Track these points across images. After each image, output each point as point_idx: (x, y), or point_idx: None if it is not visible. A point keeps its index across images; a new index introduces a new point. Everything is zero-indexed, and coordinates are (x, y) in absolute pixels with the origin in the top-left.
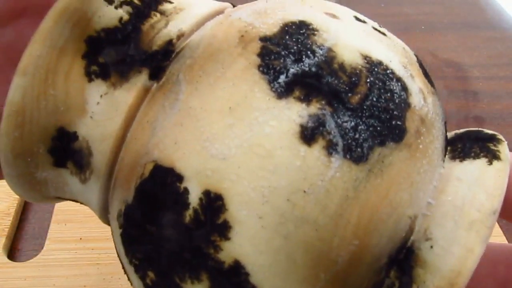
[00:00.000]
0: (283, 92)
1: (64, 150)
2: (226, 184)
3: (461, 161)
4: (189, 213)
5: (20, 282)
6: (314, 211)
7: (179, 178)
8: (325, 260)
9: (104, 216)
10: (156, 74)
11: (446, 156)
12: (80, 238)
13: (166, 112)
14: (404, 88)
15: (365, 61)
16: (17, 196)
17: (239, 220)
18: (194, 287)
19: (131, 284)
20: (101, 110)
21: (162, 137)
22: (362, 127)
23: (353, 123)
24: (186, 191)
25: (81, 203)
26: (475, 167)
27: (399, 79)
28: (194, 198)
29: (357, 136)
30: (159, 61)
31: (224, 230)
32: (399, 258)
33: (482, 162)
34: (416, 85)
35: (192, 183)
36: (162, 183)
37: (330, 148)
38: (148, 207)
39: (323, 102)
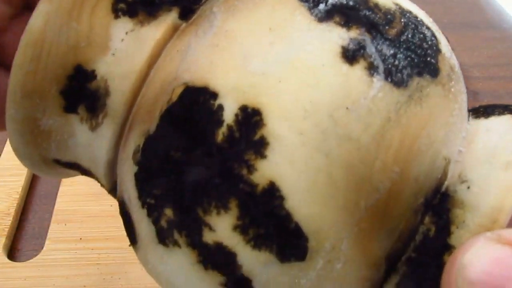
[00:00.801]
0: (323, 17)
1: (79, 91)
2: (266, 98)
3: (486, 117)
4: (222, 131)
5: (20, 282)
6: (357, 129)
7: (213, 95)
8: (367, 185)
9: (110, 173)
10: (186, 13)
11: (470, 117)
12: (80, 238)
13: (199, 37)
14: (434, 36)
15: (397, 7)
16: (17, 196)
17: (278, 135)
18: (219, 219)
19: (135, 241)
20: (125, 47)
21: (195, 60)
22: (401, 56)
23: (392, 51)
24: (220, 108)
25: (79, 169)
26: (503, 120)
27: (428, 28)
28: (229, 114)
29: (396, 62)
30: (191, 2)
31: (260, 147)
32: (434, 203)
33: (508, 117)
34: (443, 37)
35: (227, 99)
36: (193, 103)
37: (372, 69)
38: (175, 131)
39: (363, 30)
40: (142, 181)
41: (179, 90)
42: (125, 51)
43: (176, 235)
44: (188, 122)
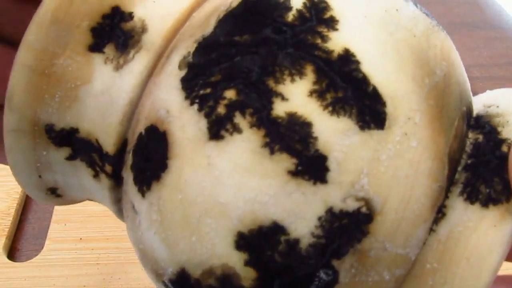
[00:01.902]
0: None
1: (110, 30)
2: None
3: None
4: (292, 13)
5: (20, 282)
6: (409, 24)
7: None
8: (426, 66)
9: (125, 122)
10: None
11: None
12: (80, 238)
13: None
14: None
15: None
16: (17, 196)
17: (346, 16)
18: (293, 86)
19: (164, 166)
20: None
21: None
22: None
23: None
24: None
25: (70, 142)
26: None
27: None
28: (297, 1)
29: None
30: None
31: (331, 22)
32: (471, 123)
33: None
34: None
35: None
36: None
37: None
38: (237, 24)
39: None
40: (192, 78)
41: None
42: None
43: (238, 118)
44: (255, 10)
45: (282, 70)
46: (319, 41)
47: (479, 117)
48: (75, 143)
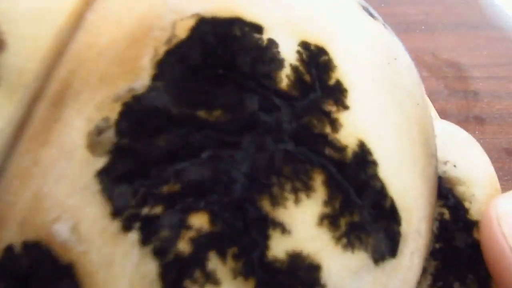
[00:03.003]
0: None
1: None
2: (328, 35)
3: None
4: (286, 74)
5: None
6: (408, 80)
7: (257, 28)
8: (428, 148)
9: None
10: None
11: None
12: None
13: None
14: None
15: None
16: None
17: (353, 81)
18: (299, 209)
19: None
20: None
21: None
22: None
23: None
24: (272, 43)
25: None
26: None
27: None
28: (288, 52)
29: None
30: None
31: (339, 94)
32: None
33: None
34: None
35: (278, 33)
36: (222, 38)
37: None
38: (199, 76)
39: None
40: (122, 178)
41: (188, 24)
42: None
43: (214, 262)
44: (219, 62)
45: (281, 182)
46: (328, 129)
47: (439, 178)
48: None
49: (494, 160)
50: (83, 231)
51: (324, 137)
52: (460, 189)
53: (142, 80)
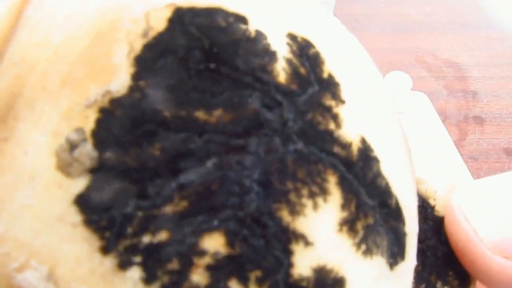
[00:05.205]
0: None
1: None
2: (309, 28)
3: None
4: (282, 67)
5: None
6: (378, 77)
7: (241, 18)
8: (406, 140)
9: None
10: None
11: None
12: None
13: None
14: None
15: None
16: None
17: (342, 73)
18: (318, 216)
19: None
20: None
21: None
22: None
23: None
24: (261, 35)
25: None
26: None
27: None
28: (278, 43)
29: None
30: None
31: (334, 88)
32: None
33: None
34: None
35: (264, 24)
36: (208, 28)
37: None
38: (189, 71)
39: None
40: (112, 201)
41: (163, 14)
42: None
43: None
44: (206, 55)
45: (297, 187)
46: (332, 126)
47: None
48: None
49: (493, 160)
50: (62, 277)
51: (330, 134)
52: (422, 188)
53: (119, 80)
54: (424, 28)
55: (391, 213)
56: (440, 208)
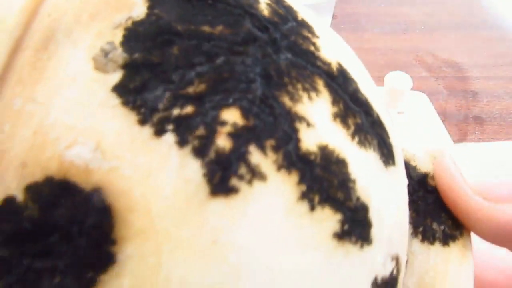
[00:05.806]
0: None
1: None
2: None
3: None
4: (265, 6)
5: None
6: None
7: None
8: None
9: None
10: None
11: None
12: None
13: None
14: None
15: None
16: None
17: (313, 21)
18: (314, 105)
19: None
20: None
21: None
22: None
23: None
24: None
25: None
26: None
27: None
28: None
29: None
30: None
31: (308, 27)
32: None
33: None
34: None
35: None
36: None
37: None
38: (193, 3)
39: None
40: (144, 85)
41: None
42: None
43: (256, 156)
44: None
45: (292, 82)
46: (312, 48)
47: None
48: None
49: None
50: (108, 147)
51: (312, 53)
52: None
53: (138, 9)
54: (424, 28)
55: (375, 123)
56: (421, 167)
